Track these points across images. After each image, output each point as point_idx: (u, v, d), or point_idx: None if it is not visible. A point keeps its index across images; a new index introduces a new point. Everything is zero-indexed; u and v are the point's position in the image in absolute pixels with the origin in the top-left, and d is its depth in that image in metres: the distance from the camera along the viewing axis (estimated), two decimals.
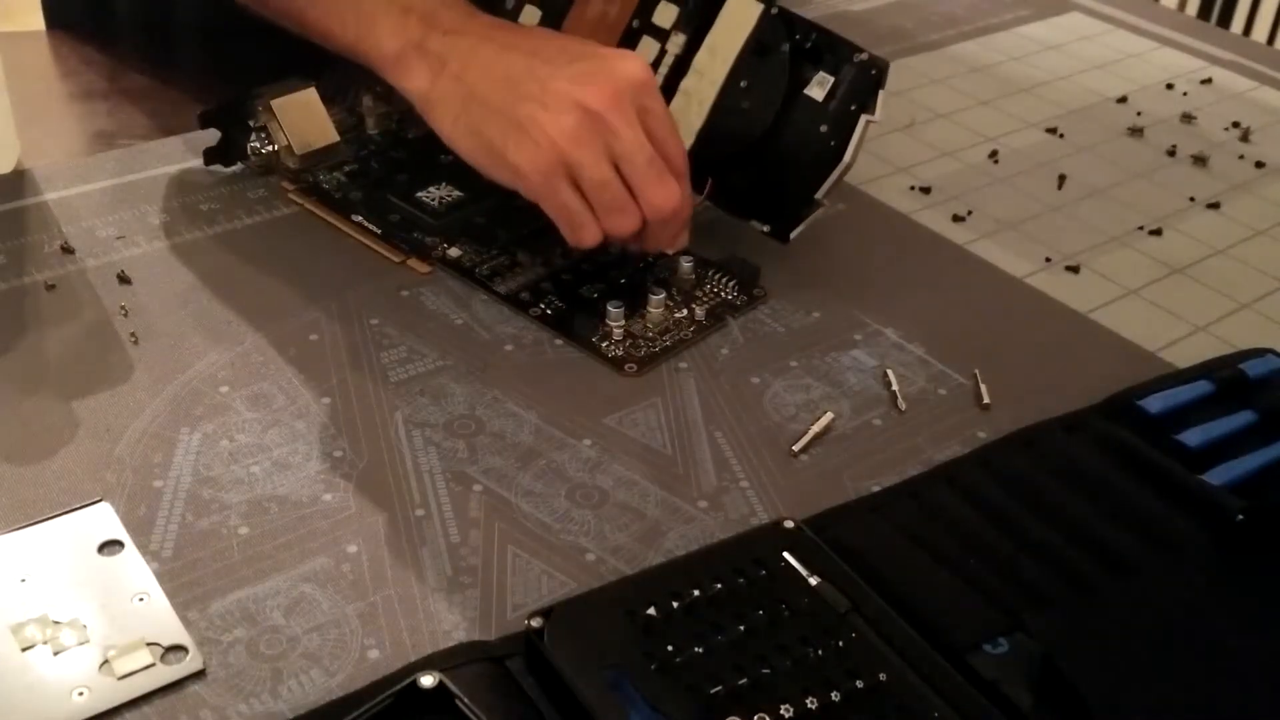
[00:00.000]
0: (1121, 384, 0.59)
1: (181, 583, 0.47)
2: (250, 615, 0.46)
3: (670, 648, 0.44)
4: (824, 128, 0.62)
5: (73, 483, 0.51)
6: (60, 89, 0.83)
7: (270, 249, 0.65)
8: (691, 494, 0.53)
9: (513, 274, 0.64)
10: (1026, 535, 0.50)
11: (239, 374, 0.57)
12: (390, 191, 0.69)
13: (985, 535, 0.50)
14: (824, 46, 0.63)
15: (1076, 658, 0.45)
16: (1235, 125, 0.86)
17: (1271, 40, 1.87)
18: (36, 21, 0.90)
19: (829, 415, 0.57)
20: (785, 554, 0.48)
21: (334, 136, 0.69)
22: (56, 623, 0.45)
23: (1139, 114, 0.87)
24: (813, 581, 0.47)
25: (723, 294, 0.64)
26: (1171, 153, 0.82)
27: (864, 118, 0.62)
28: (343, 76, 0.72)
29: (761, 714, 0.42)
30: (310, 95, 0.69)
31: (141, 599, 0.46)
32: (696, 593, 0.46)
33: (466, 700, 0.41)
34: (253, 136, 0.68)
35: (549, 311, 0.62)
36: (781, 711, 0.42)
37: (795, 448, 0.55)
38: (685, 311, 0.63)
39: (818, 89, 0.63)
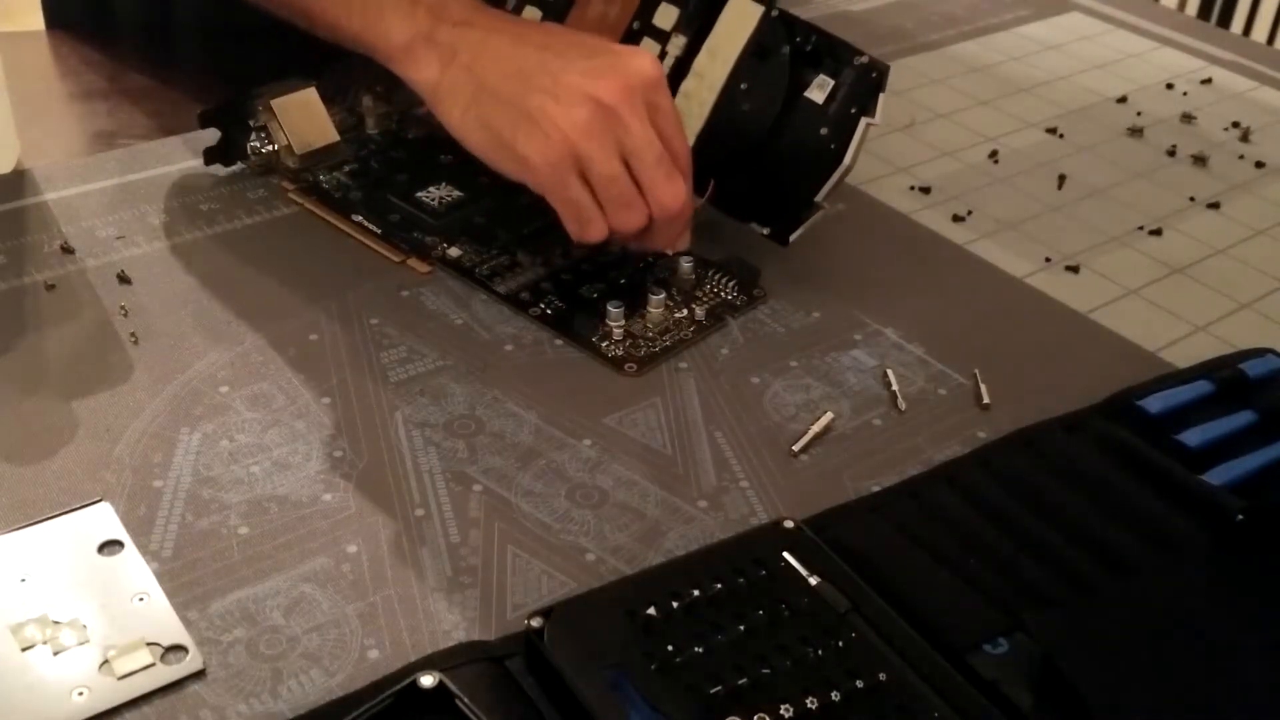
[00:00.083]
0: (1121, 384, 0.59)
1: (181, 583, 0.47)
2: (250, 615, 0.46)
3: (670, 648, 0.44)
4: (824, 130, 0.62)
5: (73, 483, 0.51)
6: (60, 89, 0.83)
7: (270, 249, 0.65)
8: (691, 494, 0.53)
9: (513, 274, 0.64)
10: (1026, 535, 0.50)
11: (239, 374, 0.57)
12: (390, 191, 0.69)
13: (985, 535, 0.50)
14: (824, 49, 0.63)
15: (1076, 658, 0.44)
16: (1235, 125, 0.86)
17: (1271, 40, 1.87)
18: (36, 21, 0.90)
19: (829, 415, 0.57)
20: (785, 554, 0.48)
21: (334, 136, 0.69)
22: (56, 623, 0.45)
23: (1139, 114, 0.87)
24: (813, 581, 0.47)
25: (723, 294, 0.64)
26: (1171, 153, 0.82)
27: (864, 120, 0.62)
28: (343, 76, 0.72)
29: (761, 714, 0.42)
30: (310, 95, 0.69)
31: (141, 599, 0.46)
32: (696, 593, 0.46)
33: (466, 700, 0.41)
34: (253, 136, 0.68)
35: (549, 311, 0.62)
36: (781, 711, 0.42)
37: (795, 448, 0.55)
38: (685, 311, 0.63)
39: (818, 92, 0.63)
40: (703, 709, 0.42)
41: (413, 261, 0.65)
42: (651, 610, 0.45)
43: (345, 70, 0.72)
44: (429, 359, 0.59)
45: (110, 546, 0.48)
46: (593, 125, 0.57)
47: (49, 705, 0.42)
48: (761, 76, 0.64)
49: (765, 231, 0.65)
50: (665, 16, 0.65)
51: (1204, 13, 1.93)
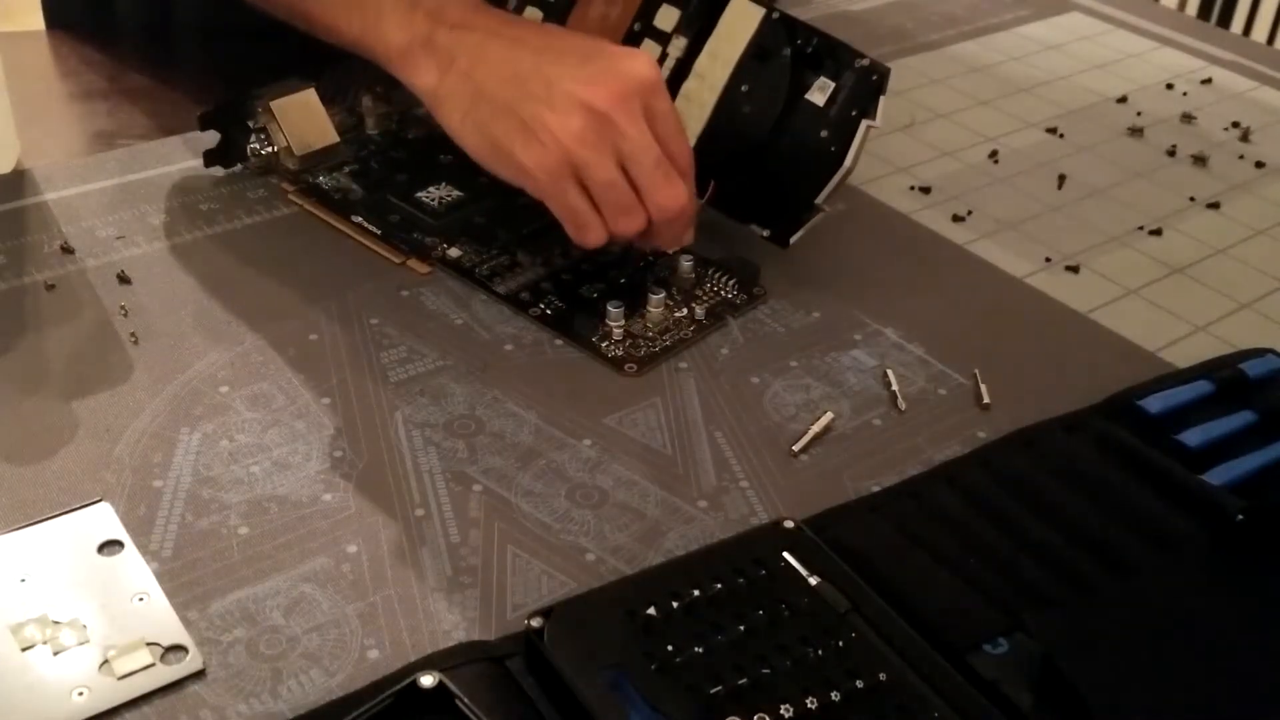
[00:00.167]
0: (1121, 384, 0.59)
1: (181, 583, 0.47)
2: (250, 615, 0.46)
3: (670, 648, 0.43)
4: (825, 133, 0.62)
5: (72, 483, 0.51)
6: (60, 89, 0.83)
7: (270, 249, 0.65)
8: (691, 494, 0.53)
9: (513, 274, 0.64)
10: (1026, 535, 0.50)
11: (239, 374, 0.57)
12: (390, 192, 0.69)
13: (985, 535, 0.50)
14: (825, 51, 0.63)
15: (1076, 658, 0.44)
16: (1235, 125, 0.86)
17: (1271, 40, 1.87)
18: (36, 21, 0.90)
19: (829, 415, 0.57)
20: (785, 554, 0.48)
21: (333, 137, 0.69)
22: (56, 623, 0.45)
23: (1139, 114, 0.87)
24: (813, 581, 0.47)
25: (723, 293, 0.64)
26: (1171, 153, 0.82)
27: (865, 123, 0.62)
28: (342, 77, 0.72)
29: (761, 714, 0.42)
30: (310, 96, 0.69)
31: (141, 599, 0.46)
32: (696, 593, 0.46)
33: (466, 700, 0.41)
34: (252, 138, 0.68)
35: (549, 311, 0.62)
36: (781, 711, 0.42)
37: (795, 448, 0.55)
38: (685, 311, 0.63)
39: (819, 94, 0.63)
40: (703, 709, 0.42)
41: (413, 262, 0.65)
42: (651, 610, 0.45)
43: (345, 71, 0.72)
44: (429, 359, 0.59)
45: (110, 546, 0.48)
46: (588, 133, 0.57)
47: (49, 705, 0.42)
48: (762, 78, 0.64)
49: (765, 233, 0.65)
50: (666, 18, 0.65)
51: (1204, 13, 1.93)
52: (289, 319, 0.60)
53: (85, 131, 0.77)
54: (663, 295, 0.62)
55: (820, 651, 0.44)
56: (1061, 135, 0.83)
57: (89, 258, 0.64)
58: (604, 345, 0.60)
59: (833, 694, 0.43)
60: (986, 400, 0.59)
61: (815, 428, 0.56)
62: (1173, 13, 1.11)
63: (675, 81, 0.65)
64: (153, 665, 0.44)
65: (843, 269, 0.67)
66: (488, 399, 0.57)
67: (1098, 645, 0.46)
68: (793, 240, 0.64)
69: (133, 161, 0.72)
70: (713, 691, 0.42)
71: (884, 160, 0.78)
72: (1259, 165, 0.81)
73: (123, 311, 0.60)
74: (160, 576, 0.47)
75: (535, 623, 0.44)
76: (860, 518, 0.51)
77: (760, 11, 0.63)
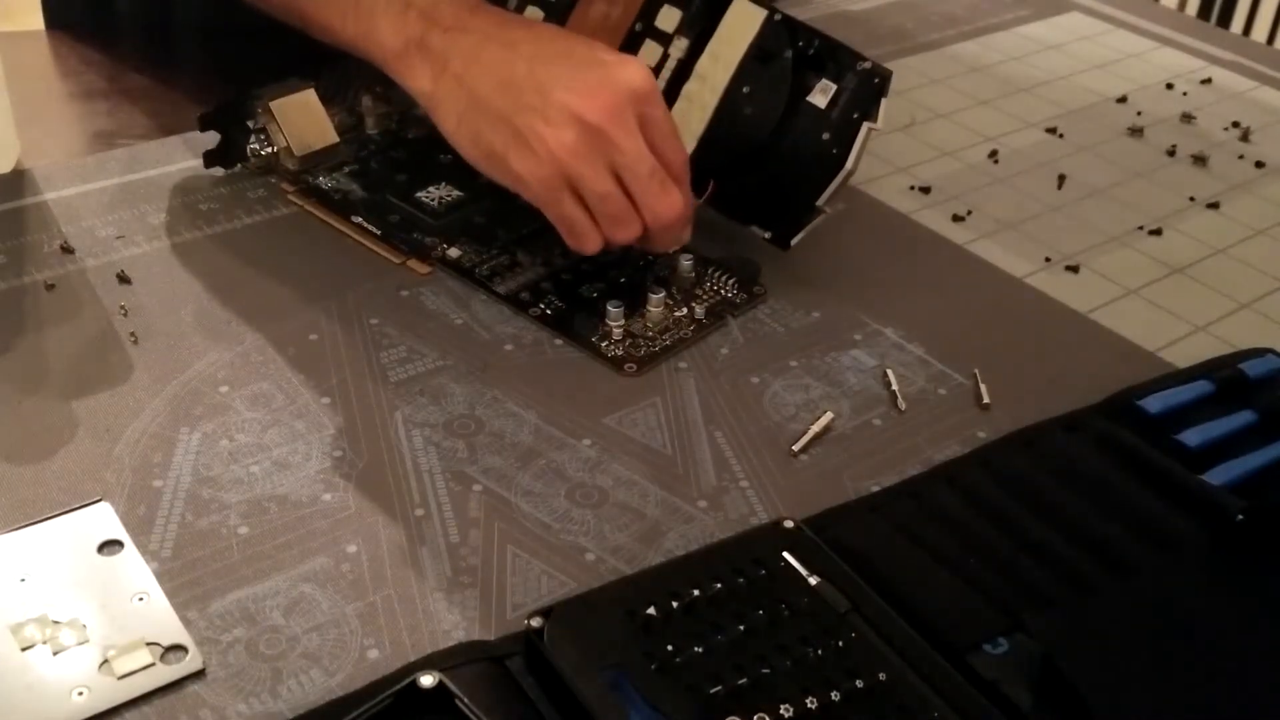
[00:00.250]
0: (1121, 384, 0.59)
1: (181, 582, 0.47)
2: (250, 615, 0.46)
3: (670, 647, 0.43)
4: (826, 135, 0.62)
5: (72, 482, 0.51)
6: (60, 89, 0.83)
7: (270, 249, 0.65)
8: (691, 494, 0.53)
9: (512, 274, 0.64)
10: (1026, 535, 0.50)
11: (239, 374, 0.57)
12: (390, 192, 0.69)
13: (985, 535, 0.50)
14: (826, 54, 0.63)
15: (1076, 658, 0.44)
16: (1235, 125, 0.86)
17: (1271, 40, 1.87)
18: (36, 21, 0.90)
19: (829, 415, 0.57)
20: (785, 554, 0.48)
21: (333, 137, 0.69)
22: (56, 622, 0.45)
23: (1139, 114, 0.87)
24: (813, 581, 0.47)
25: (723, 292, 0.64)
26: (1171, 153, 0.82)
27: (866, 125, 0.62)
28: (342, 77, 0.72)
29: (761, 714, 0.42)
30: (309, 96, 0.69)
31: (141, 599, 0.46)
32: (696, 593, 0.46)
33: (466, 700, 0.41)
34: (252, 138, 0.68)
35: (549, 311, 0.62)
36: (781, 711, 0.42)
37: (795, 448, 0.55)
38: (685, 310, 0.63)
39: (820, 96, 0.63)
40: (703, 709, 0.42)
41: (412, 262, 0.65)
42: (651, 610, 0.45)
43: (344, 71, 0.72)
44: (429, 359, 0.59)
45: (110, 546, 0.48)
46: (581, 146, 0.57)
47: (49, 705, 0.42)
48: (764, 80, 0.64)
49: (767, 235, 0.65)
50: (667, 19, 0.65)
51: (1204, 13, 1.93)
52: (289, 319, 0.60)
53: (85, 131, 0.77)
54: (663, 295, 0.62)
55: (820, 651, 0.44)
56: (1061, 135, 0.83)
57: (89, 257, 0.64)
58: (604, 345, 0.60)
59: (833, 694, 0.43)
60: (986, 400, 0.59)
61: (815, 428, 0.56)
62: (1173, 13, 1.11)
63: (676, 83, 0.65)
64: (152, 665, 0.44)
65: (843, 269, 0.67)
66: (488, 399, 0.57)
67: (1098, 645, 0.46)
68: (794, 242, 0.64)
69: (133, 161, 0.72)
70: (713, 691, 0.42)
71: (884, 160, 0.78)
72: (1259, 165, 0.81)
73: (123, 311, 0.60)
74: (160, 576, 0.47)
75: (535, 623, 0.44)
76: (860, 518, 0.51)
77: (762, 13, 0.63)
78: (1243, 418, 0.57)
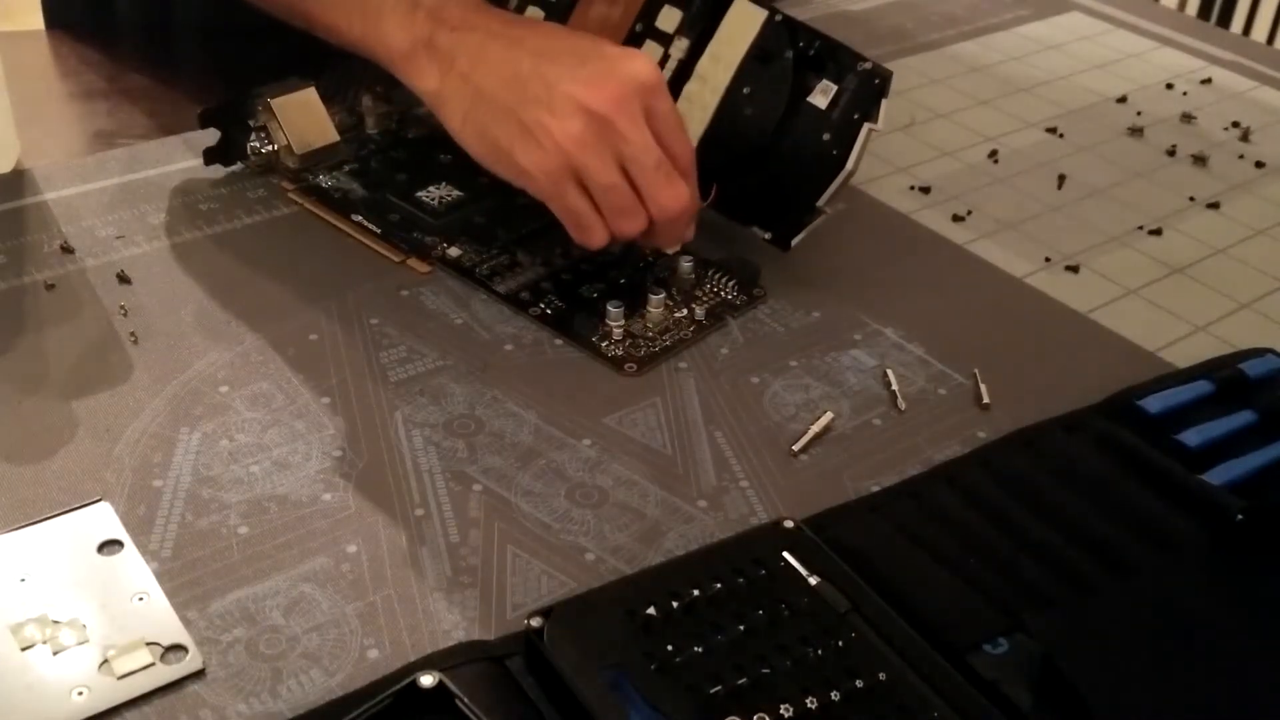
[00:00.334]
0: (1121, 384, 0.59)
1: (181, 582, 0.47)
2: (250, 615, 0.46)
3: (670, 647, 0.43)
4: (826, 136, 0.62)
5: (72, 482, 0.51)
6: (60, 89, 0.83)
7: (270, 249, 0.65)
8: (691, 494, 0.53)
9: (512, 273, 0.64)
10: (1026, 535, 0.50)
11: (239, 374, 0.57)
12: (390, 191, 0.69)
13: (985, 535, 0.50)
14: (827, 54, 0.63)
15: (1076, 658, 0.44)
16: (1235, 125, 0.86)
17: (1271, 40, 1.87)
18: (36, 21, 0.90)
19: (829, 415, 0.57)
20: (785, 554, 0.48)
21: (334, 136, 0.69)
22: (56, 622, 0.45)
23: (1139, 114, 0.87)
24: (813, 581, 0.47)
25: (722, 294, 0.64)
26: (1171, 153, 0.82)
27: (866, 126, 0.62)
28: (342, 76, 0.72)
29: (761, 714, 0.42)
30: (310, 95, 0.69)
31: (141, 598, 0.46)
32: (696, 592, 0.46)
33: (466, 700, 0.41)
34: (252, 136, 0.68)
35: (549, 311, 0.62)
36: (781, 711, 0.42)
37: (795, 448, 0.55)
38: (685, 311, 0.63)
39: (821, 97, 0.63)
40: (703, 709, 0.42)
41: (413, 261, 0.65)
42: (651, 610, 0.45)
43: (345, 70, 0.72)
44: (429, 359, 0.59)
45: (110, 546, 0.48)
46: (587, 137, 0.57)
47: (49, 705, 0.42)
48: (764, 81, 0.63)
49: (767, 236, 0.65)
50: (668, 19, 0.65)
51: (1204, 13, 1.93)
52: (289, 319, 0.60)
53: (85, 131, 0.77)
54: (663, 295, 0.62)
55: (820, 651, 0.44)
56: (1061, 135, 0.83)
57: (89, 257, 0.64)
58: (604, 345, 0.60)
59: (833, 694, 0.43)
60: (986, 400, 0.59)
61: (815, 427, 0.56)
62: (1173, 13, 1.11)
63: (677, 83, 0.65)
64: (152, 665, 0.44)
65: (843, 269, 0.67)
66: (487, 399, 0.57)
67: (1098, 645, 0.46)
68: (794, 243, 0.64)
69: (133, 161, 0.72)
70: (713, 691, 0.42)
71: (884, 160, 0.78)
72: (1259, 165, 0.81)
73: (122, 311, 0.60)
74: (160, 576, 0.47)
75: (535, 622, 0.44)
76: (860, 518, 0.51)
77: (762, 14, 0.63)
78: (1243, 418, 0.57)
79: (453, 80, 0.61)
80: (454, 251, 0.65)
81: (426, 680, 0.42)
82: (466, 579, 0.48)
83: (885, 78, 0.62)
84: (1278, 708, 0.44)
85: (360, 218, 0.67)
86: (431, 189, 0.69)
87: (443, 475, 0.52)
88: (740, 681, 0.43)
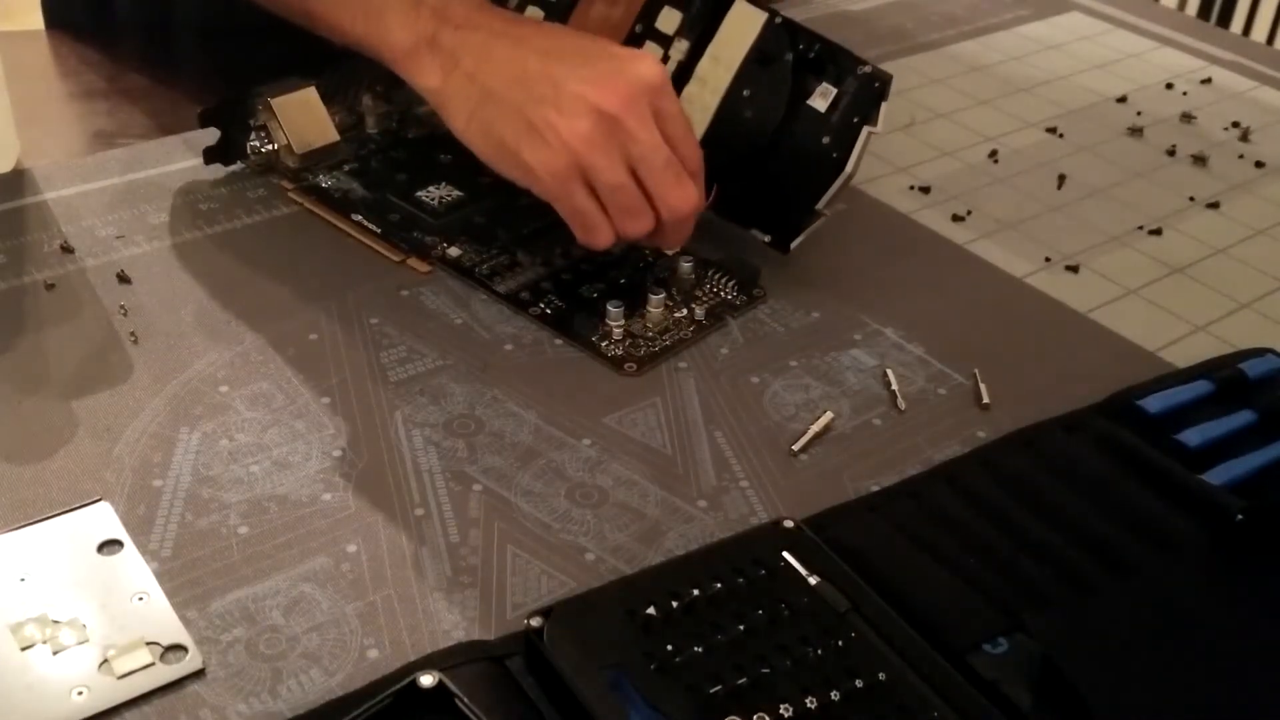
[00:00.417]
0: (1121, 384, 0.59)
1: (181, 582, 0.47)
2: (250, 615, 0.46)
3: (670, 647, 0.43)
4: (826, 139, 0.62)
5: (72, 482, 0.51)
6: (60, 89, 0.83)
7: (270, 249, 0.65)
8: (691, 494, 0.53)
9: (512, 273, 0.64)
10: (1026, 535, 0.50)
11: (238, 373, 0.57)
12: (390, 191, 0.69)
13: (985, 535, 0.50)
14: (827, 57, 0.63)
15: (1076, 658, 0.44)
16: (1235, 125, 0.86)
17: (1271, 40, 1.87)
18: (36, 21, 0.90)
19: (829, 415, 0.57)
20: (785, 554, 0.48)
21: (334, 136, 0.69)
22: (56, 622, 0.45)
23: (1139, 114, 0.87)
24: (812, 581, 0.47)
25: (722, 294, 0.64)
26: (1171, 153, 0.82)
27: (866, 129, 0.62)
28: (343, 76, 0.72)
29: (761, 714, 0.42)
30: (310, 94, 0.69)
31: (141, 598, 0.46)
32: (696, 592, 0.46)
33: (466, 700, 0.41)
34: (252, 135, 0.68)
35: (549, 311, 0.62)
36: (781, 711, 0.42)
37: (795, 447, 0.55)
38: (685, 311, 0.63)
39: (820, 100, 0.63)
40: (702, 709, 0.42)
41: (413, 261, 0.65)
42: (651, 610, 0.45)
43: (345, 70, 0.72)
44: (429, 359, 0.59)
45: (110, 546, 0.48)
46: (596, 136, 0.57)
47: (49, 705, 0.42)
48: (764, 83, 0.64)
49: (767, 239, 0.65)
50: (668, 20, 0.65)
51: (1204, 13, 1.93)
52: (289, 319, 0.60)
53: (85, 131, 0.77)
54: (663, 295, 0.62)
55: (820, 651, 0.44)
56: (1061, 135, 0.83)
57: (89, 257, 0.64)
58: (604, 345, 0.60)
59: (832, 694, 0.43)
60: (986, 400, 0.59)
61: (815, 427, 0.56)
62: (1173, 13, 1.11)
63: (677, 85, 0.64)
64: (152, 665, 0.44)
65: (843, 269, 0.67)
66: (487, 399, 0.57)
67: (1098, 645, 0.46)
68: (793, 245, 0.64)
69: (133, 161, 0.72)
70: (712, 691, 0.42)
71: (884, 160, 0.78)
72: (1259, 165, 0.81)
73: (122, 311, 0.60)
74: (160, 576, 0.47)
75: (535, 622, 0.44)
76: (860, 517, 0.51)
77: (762, 16, 0.63)
78: (1243, 418, 0.57)
79: (457, 79, 0.60)
80: (454, 251, 0.65)
81: (426, 680, 0.42)
82: (466, 579, 0.48)
83: (885, 81, 0.62)
84: (1278, 708, 0.44)
85: (360, 217, 0.67)
86: (431, 189, 0.69)
87: (443, 475, 0.52)
88: (740, 681, 0.43)
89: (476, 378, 0.58)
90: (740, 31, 0.64)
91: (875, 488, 0.53)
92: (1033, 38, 0.97)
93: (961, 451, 0.55)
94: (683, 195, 0.59)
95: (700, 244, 0.64)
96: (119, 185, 0.69)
